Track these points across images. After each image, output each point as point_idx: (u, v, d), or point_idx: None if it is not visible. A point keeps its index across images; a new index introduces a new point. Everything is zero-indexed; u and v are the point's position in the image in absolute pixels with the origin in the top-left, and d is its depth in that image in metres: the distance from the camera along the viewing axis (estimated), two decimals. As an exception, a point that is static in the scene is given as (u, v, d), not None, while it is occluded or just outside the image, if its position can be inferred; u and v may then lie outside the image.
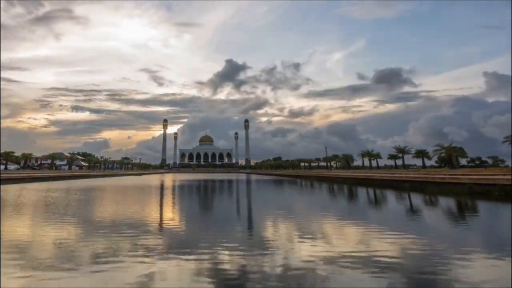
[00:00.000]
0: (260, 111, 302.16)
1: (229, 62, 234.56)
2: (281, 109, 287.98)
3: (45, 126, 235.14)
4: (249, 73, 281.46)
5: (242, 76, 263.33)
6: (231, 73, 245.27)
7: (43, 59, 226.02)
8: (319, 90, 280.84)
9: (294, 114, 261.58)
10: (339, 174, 39.28)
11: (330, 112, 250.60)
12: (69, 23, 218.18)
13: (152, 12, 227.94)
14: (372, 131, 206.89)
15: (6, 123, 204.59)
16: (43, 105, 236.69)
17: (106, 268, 4.62)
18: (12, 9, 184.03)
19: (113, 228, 7.63)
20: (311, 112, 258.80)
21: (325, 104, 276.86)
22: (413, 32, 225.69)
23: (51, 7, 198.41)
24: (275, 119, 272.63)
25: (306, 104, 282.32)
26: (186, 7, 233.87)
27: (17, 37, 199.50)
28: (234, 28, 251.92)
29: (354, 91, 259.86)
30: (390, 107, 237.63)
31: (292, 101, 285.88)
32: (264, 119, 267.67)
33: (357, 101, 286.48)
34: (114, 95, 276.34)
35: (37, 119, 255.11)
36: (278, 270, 4.54)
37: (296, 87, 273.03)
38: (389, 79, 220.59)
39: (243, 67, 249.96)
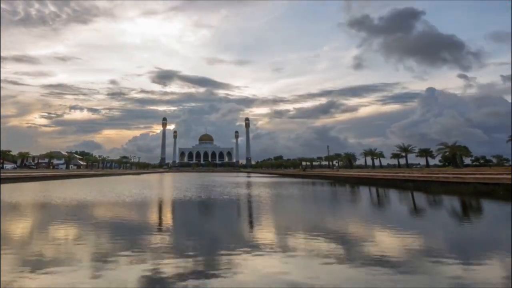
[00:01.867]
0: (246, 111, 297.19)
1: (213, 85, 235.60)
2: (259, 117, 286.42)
3: (46, 126, 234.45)
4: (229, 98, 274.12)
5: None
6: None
7: (52, 57, 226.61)
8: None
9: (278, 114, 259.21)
10: (342, 173, 38.27)
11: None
12: (82, 22, 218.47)
13: (165, 8, 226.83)
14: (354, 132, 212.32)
15: (12, 122, 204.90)
16: (45, 104, 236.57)
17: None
18: (29, 25, 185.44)
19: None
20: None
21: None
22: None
23: (67, 15, 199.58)
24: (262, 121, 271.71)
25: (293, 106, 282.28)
26: (197, 5, 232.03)
27: (28, 35, 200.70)
28: (239, 26, 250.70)
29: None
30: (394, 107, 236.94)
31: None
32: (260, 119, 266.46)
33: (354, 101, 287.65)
34: (114, 94, 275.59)
35: (39, 118, 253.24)
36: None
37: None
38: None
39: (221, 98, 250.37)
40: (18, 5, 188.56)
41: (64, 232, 7.23)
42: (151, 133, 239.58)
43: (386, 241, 6.28)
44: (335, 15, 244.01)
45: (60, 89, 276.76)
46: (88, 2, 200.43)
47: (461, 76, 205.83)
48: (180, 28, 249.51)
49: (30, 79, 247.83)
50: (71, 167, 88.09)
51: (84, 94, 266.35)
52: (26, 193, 17.44)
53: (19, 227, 7.81)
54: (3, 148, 70.24)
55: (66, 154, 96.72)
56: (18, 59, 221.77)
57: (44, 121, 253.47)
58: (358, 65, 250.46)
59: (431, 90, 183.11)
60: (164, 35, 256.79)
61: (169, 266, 4.60)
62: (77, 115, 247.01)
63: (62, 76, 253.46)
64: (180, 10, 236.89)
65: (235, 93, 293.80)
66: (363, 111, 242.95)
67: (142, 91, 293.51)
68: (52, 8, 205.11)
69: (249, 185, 27.93)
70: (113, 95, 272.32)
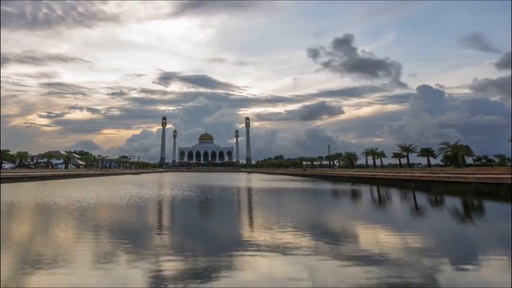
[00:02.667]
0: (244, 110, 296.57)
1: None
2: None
3: (47, 125, 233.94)
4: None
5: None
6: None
7: (54, 58, 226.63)
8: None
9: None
10: (343, 173, 37.94)
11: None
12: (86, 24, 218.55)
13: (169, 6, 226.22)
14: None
15: (14, 121, 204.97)
16: (46, 104, 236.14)
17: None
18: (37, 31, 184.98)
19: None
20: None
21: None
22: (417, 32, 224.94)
23: (72, 19, 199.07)
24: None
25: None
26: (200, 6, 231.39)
27: (32, 36, 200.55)
28: (240, 27, 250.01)
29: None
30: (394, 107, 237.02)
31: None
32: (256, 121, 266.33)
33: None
34: (114, 94, 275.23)
35: (39, 118, 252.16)
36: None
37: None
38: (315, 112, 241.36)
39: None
40: (27, 9, 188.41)
41: (64, 231, 7.04)
42: (153, 133, 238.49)
43: (387, 240, 6.24)
44: (335, 15, 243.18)
45: (59, 89, 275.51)
46: (95, 6, 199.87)
47: (438, 85, 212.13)
48: (183, 29, 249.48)
49: (32, 80, 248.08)
50: (70, 166, 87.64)
51: (84, 94, 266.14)
52: (26, 193, 17.07)
53: (19, 227, 7.59)
54: (4, 147, 69.97)
55: (65, 153, 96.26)
56: (21, 60, 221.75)
57: (44, 121, 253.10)
58: (296, 85, 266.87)
59: (421, 88, 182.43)
60: (166, 35, 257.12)
61: (170, 266, 4.54)
62: (77, 114, 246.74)
63: (64, 76, 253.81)
64: (183, 12, 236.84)
65: (236, 93, 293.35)
66: (359, 112, 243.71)
67: (142, 90, 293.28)
68: (59, 12, 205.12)
69: (251, 186, 27.59)
70: (113, 95, 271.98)
